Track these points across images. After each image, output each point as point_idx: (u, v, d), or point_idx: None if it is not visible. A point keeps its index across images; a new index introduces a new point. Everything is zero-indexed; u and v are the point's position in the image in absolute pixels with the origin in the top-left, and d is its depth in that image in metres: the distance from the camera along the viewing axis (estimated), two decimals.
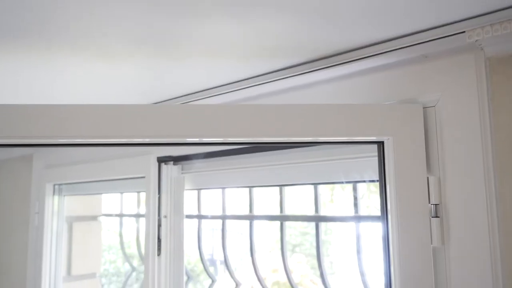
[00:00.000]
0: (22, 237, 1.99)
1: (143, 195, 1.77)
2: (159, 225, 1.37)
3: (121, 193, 1.85)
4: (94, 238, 2.03)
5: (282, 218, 1.44)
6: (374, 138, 0.90)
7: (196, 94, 1.24)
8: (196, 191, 1.54)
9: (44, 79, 1.12)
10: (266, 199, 1.37)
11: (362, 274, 1.27)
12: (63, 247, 1.87)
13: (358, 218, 1.26)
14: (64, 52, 0.94)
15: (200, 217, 1.61)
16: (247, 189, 1.45)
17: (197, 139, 0.88)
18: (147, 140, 0.88)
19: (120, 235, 1.95)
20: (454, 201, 0.83)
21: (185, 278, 1.46)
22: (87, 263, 1.98)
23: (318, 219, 1.36)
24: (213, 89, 1.20)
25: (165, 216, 1.37)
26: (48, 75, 1.08)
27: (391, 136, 0.87)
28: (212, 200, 1.55)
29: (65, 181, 1.79)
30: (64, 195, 1.88)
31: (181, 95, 1.26)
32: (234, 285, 1.62)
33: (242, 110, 0.87)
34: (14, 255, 2.07)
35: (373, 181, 1.07)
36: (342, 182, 1.13)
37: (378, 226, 1.05)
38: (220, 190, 1.51)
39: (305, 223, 6.76)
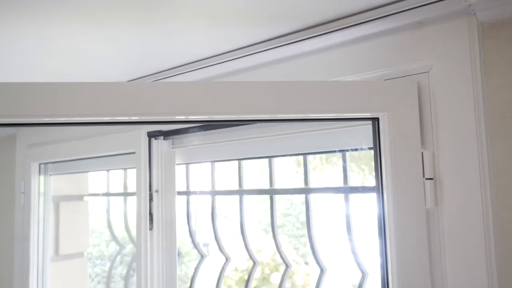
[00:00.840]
0: (7, 218, 1.97)
1: (130, 172, 1.76)
2: (151, 200, 1.36)
3: (108, 170, 1.84)
4: (81, 218, 2.01)
5: (272, 192, 1.45)
6: (369, 114, 0.91)
7: (183, 67, 1.24)
8: (185, 166, 1.54)
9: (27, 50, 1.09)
10: (256, 173, 1.37)
11: (351, 241, 1.28)
12: (50, 227, 1.86)
13: (349, 189, 1.26)
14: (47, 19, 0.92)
15: (189, 193, 1.61)
16: (237, 163, 1.46)
17: (184, 117, 0.89)
18: (135, 119, 0.89)
19: (107, 214, 1.94)
20: (447, 166, 0.85)
21: None
22: (74, 243, 1.97)
23: (307, 191, 1.37)
24: (199, 62, 1.19)
25: (157, 191, 1.37)
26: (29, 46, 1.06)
27: (386, 112, 0.88)
28: (201, 176, 1.55)
29: (51, 160, 1.77)
30: (50, 174, 1.86)
31: (169, 67, 1.25)
32: (224, 260, 1.63)
33: (234, 87, 0.88)
34: (0, 235, 2.04)
35: (360, 149, 1.09)
36: (334, 151, 1.14)
37: (369, 196, 1.07)
38: (210, 164, 1.51)
39: (287, 204, 6.81)
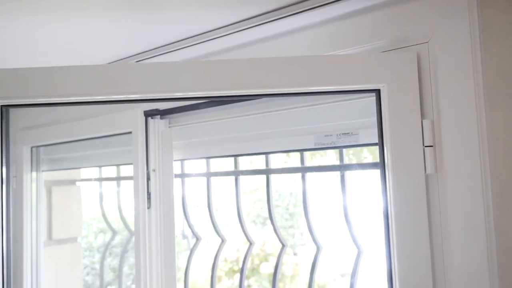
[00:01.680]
0: None
1: (123, 156, 1.75)
2: (148, 179, 1.36)
3: (100, 167, 1.82)
4: (74, 203, 2.00)
5: (268, 172, 1.45)
6: (370, 86, 0.93)
7: (166, 46, 1.24)
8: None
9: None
10: (251, 155, 1.37)
11: (347, 218, 1.29)
12: (42, 211, 1.84)
13: (345, 167, 1.27)
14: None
15: (184, 175, 1.61)
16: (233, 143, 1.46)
17: (182, 94, 0.94)
18: (135, 97, 0.95)
19: (100, 199, 1.93)
20: (447, 134, 0.86)
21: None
22: (67, 228, 1.95)
23: (304, 170, 1.37)
24: (181, 42, 1.20)
25: (154, 170, 1.37)
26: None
27: (386, 83, 0.90)
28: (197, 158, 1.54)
29: (43, 143, 1.75)
30: (42, 171, 1.84)
31: (153, 47, 1.25)
32: (220, 241, 1.64)
33: (236, 64, 0.91)
34: None
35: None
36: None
37: (365, 173, 1.08)
38: (205, 146, 1.51)
39: (276, 196, 6.80)
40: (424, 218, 0.87)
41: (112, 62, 1.28)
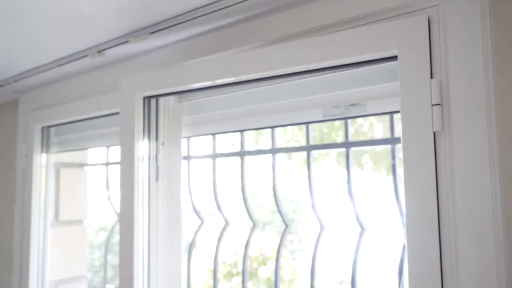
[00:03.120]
0: (8, 180, 1.99)
1: None
2: (157, 152, 1.40)
3: (107, 146, 1.85)
4: (81, 186, 2.03)
5: (274, 151, 1.48)
6: (386, 53, 0.98)
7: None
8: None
9: None
10: (259, 129, 1.40)
11: (351, 196, 1.32)
12: (50, 192, 1.87)
13: (350, 144, 1.30)
14: None
15: (189, 158, 1.64)
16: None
17: None
18: None
19: (107, 182, 1.96)
20: (455, 94, 0.90)
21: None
22: (74, 210, 1.98)
23: (309, 149, 1.40)
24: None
25: (163, 144, 1.40)
26: None
27: (398, 49, 0.95)
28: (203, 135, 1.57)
29: (54, 122, 1.79)
30: (51, 153, 1.89)
31: None
32: (224, 223, 1.67)
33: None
34: (1, 198, 2.05)
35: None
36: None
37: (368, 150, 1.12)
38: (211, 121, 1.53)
39: (273, 202, 6.81)
40: (431, 173, 0.90)
41: (126, 34, 1.31)
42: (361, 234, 1.33)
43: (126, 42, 1.33)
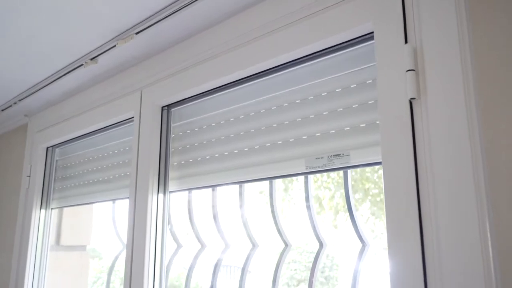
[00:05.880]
0: (16, 204, 1.98)
1: None
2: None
3: (113, 200, 1.80)
4: (85, 211, 2.00)
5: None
6: (362, 28, 0.96)
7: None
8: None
9: None
10: (246, 182, 1.26)
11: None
12: (52, 217, 1.85)
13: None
14: None
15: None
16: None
17: None
18: None
19: (113, 217, 1.92)
20: (430, 60, 0.83)
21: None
22: (77, 235, 1.94)
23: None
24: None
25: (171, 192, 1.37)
26: None
27: (372, 20, 0.93)
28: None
29: (57, 140, 1.79)
30: (51, 208, 1.84)
31: None
32: (224, 246, 1.57)
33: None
34: (5, 218, 2.04)
35: None
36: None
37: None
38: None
39: (311, 257, 6.57)
40: (409, 142, 0.83)
41: (113, 38, 1.32)
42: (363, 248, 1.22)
43: (115, 46, 1.33)
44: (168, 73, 1.35)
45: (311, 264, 5.03)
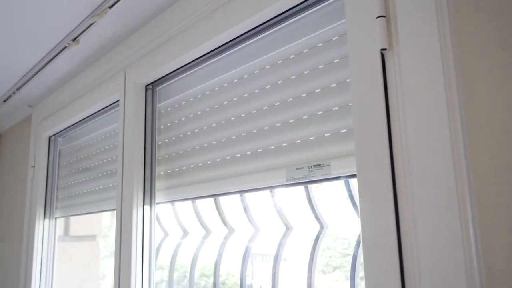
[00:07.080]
0: (23, 194, 1.98)
1: None
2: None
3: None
4: None
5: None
6: None
7: None
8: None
9: None
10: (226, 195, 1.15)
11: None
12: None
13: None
14: None
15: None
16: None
17: None
18: None
19: None
20: (402, 5, 0.72)
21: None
22: (87, 225, 1.92)
23: None
24: None
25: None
26: None
27: None
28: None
29: (58, 128, 1.77)
30: (55, 217, 1.80)
31: None
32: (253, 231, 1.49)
33: None
34: (14, 210, 2.05)
35: None
36: None
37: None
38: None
39: (345, 243, 6.47)
40: (380, 97, 0.72)
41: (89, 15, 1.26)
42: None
43: (93, 24, 1.27)
44: (147, 49, 1.28)
45: (346, 251, 4.90)
